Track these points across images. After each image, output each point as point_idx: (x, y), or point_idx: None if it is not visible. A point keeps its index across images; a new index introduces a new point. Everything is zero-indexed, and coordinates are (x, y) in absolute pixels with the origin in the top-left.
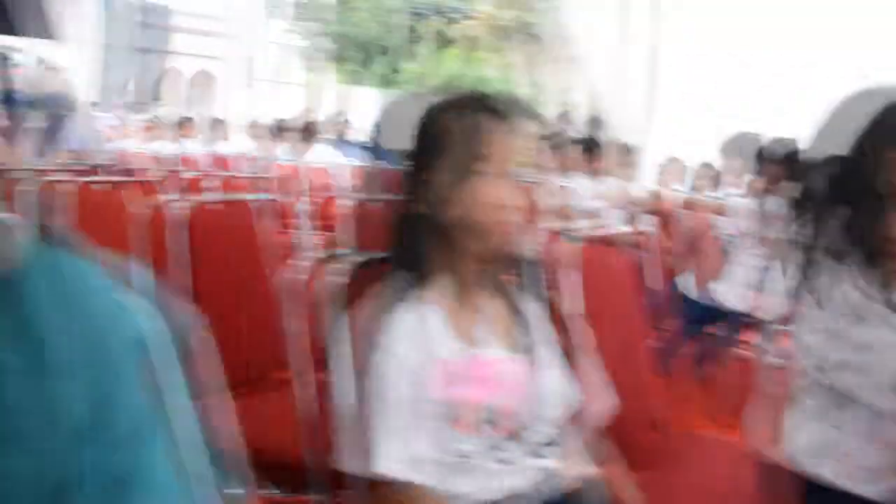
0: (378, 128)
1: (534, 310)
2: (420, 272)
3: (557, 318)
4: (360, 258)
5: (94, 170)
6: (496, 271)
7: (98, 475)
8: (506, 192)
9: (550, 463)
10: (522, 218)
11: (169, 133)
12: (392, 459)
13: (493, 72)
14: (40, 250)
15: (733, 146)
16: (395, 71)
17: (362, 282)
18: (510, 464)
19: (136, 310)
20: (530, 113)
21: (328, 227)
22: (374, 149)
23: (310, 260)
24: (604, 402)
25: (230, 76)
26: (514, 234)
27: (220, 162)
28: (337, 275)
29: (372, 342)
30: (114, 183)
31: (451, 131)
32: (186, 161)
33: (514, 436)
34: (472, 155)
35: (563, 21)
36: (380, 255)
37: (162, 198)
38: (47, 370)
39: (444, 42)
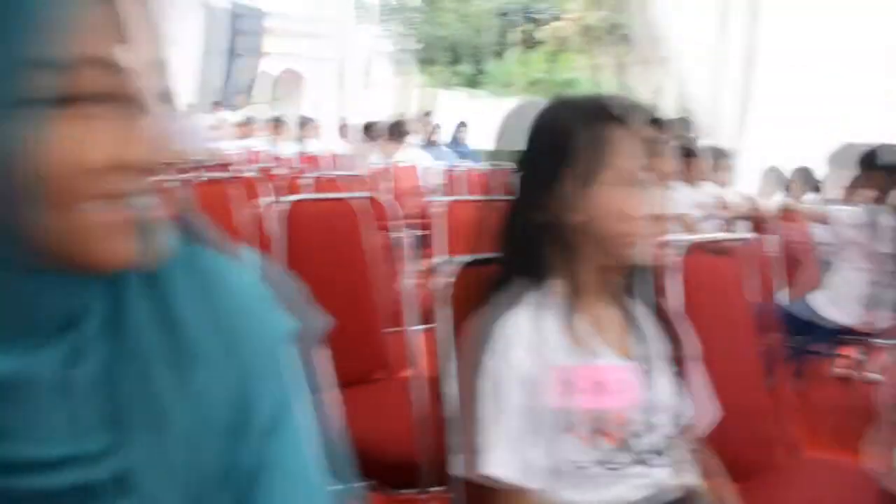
0: (499, 133)
1: (646, 318)
2: (535, 277)
3: (667, 327)
4: (466, 260)
5: (195, 167)
6: (612, 279)
7: (238, 466)
8: (632, 201)
9: (660, 473)
10: (646, 227)
11: (261, 132)
12: (503, 463)
13: (580, 73)
14: (183, 246)
15: (843, 157)
16: (482, 72)
17: (470, 283)
18: (621, 473)
19: (270, 305)
20: (655, 119)
21: (423, 226)
22: (464, 151)
23: (417, 262)
24: (709, 413)
25: (322, 78)
26: (638, 244)
27: (310, 160)
28: (447, 276)
29: (485, 346)
30: (214, 180)
31: (579, 138)
32: (278, 159)
33: (625, 445)
34: (599, 163)
35: (655, 21)
36: (484, 256)
37: (265, 199)
38: (191, 363)
39: (531, 43)
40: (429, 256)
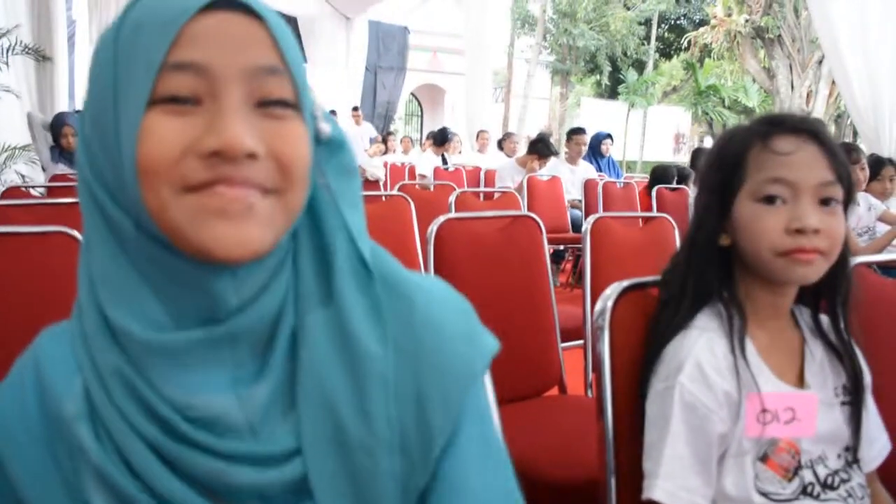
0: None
1: (819, 344)
2: (703, 300)
3: (844, 354)
4: (629, 283)
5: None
6: (779, 302)
7: (413, 484)
8: (764, 217)
9: None
10: (784, 244)
11: (402, 147)
12: (668, 489)
13: (722, 81)
14: (362, 266)
15: None
16: (620, 82)
17: (629, 305)
18: None
19: (474, 326)
20: (812, 130)
21: (564, 241)
22: (606, 163)
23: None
24: (880, 447)
25: (480, 91)
26: (818, 265)
27: (454, 175)
28: (607, 298)
29: (654, 369)
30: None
31: (722, 157)
32: (422, 176)
33: (793, 477)
34: (735, 181)
35: (805, 23)
36: (646, 280)
37: (443, 218)
38: (365, 380)
39: (672, 51)
40: (571, 272)
